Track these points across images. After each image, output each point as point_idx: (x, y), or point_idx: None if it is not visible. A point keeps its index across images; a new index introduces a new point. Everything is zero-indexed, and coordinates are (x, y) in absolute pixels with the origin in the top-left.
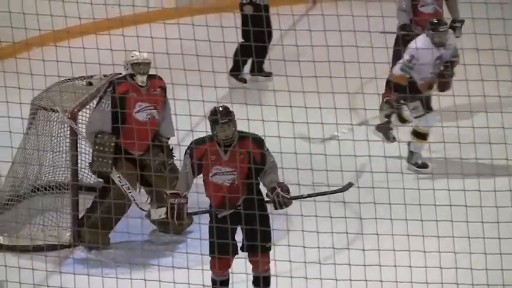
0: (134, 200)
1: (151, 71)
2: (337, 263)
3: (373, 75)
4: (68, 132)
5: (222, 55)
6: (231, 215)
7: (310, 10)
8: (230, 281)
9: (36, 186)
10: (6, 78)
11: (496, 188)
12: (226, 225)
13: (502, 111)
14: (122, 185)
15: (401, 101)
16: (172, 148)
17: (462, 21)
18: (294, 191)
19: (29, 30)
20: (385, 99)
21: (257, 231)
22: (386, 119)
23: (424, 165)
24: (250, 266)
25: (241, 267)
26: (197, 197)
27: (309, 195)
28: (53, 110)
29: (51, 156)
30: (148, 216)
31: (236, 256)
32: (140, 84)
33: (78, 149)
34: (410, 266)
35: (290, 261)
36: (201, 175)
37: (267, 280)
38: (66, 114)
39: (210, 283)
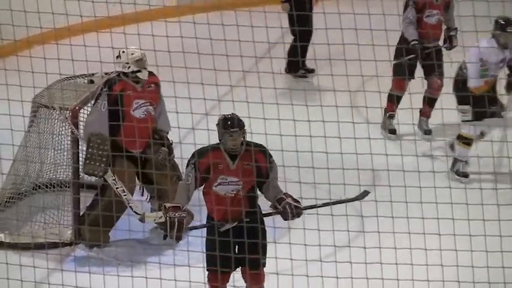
0: (129, 203)
1: (152, 70)
2: (338, 260)
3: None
4: (69, 130)
5: (223, 53)
6: (232, 228)
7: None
8: None
9: (38, 184)
10: (8, 76)
11: (497, 186)
12: (229, 239)
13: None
14: (117, 188)
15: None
16: (172, 143)
17: (456, 30)
18: (294, 190)
19: (30, 28)
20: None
21: (256, 246)
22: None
23: (465, 175)
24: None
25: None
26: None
27: (324, 205)
28: (54, 108)
29: (52, 154)
30: (142, 219)
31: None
32: (142, 77)
33: (80, 147)
34: (411, 264)
35: (291, 259)
36: (201, 187)
37: None
38: (67, 112)
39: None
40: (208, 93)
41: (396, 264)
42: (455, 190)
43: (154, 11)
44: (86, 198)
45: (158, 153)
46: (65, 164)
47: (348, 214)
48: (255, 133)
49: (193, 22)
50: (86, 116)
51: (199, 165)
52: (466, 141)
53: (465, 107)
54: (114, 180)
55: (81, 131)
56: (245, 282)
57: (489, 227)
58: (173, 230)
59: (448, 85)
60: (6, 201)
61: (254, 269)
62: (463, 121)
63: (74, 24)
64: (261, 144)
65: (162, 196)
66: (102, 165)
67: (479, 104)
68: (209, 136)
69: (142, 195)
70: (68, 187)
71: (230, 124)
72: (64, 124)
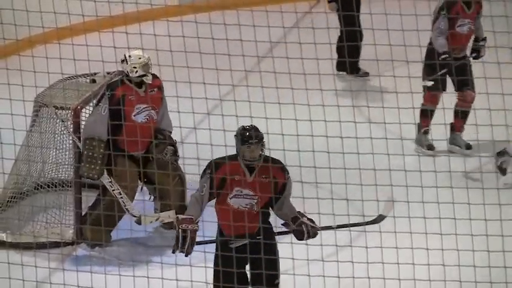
0: (125, 206)
1: (154, 69)
2: (340, 260)
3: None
4: (71, 129)
5: (225, 52)
6: (243, 245)
7: (314, 7)
8: None
9: (39, 183)
10: (10, 75)
11: (498, 185)
12: (241, 255)
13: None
14: (113, 190)
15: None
16: (176, 142)
17: (485, 40)
18: (296, 189)
19: (32, 28)
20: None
21: (268, 264)
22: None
23: (504, 171)
24: None
25: None
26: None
27: (340, 226)
28: (56, 108)
29: (54, 153)
30: (139, 222)
31: None
32: (146, 81)
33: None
34: (413, 264)
35: (293, 259)
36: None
37: None
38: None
39: (213, 281)
40: (210, 93)
41: (398, 264)
42: (456, 190)
43: (156, 11)
44: (88, 197)
45: (165, 152)
46: (66, 163)
47: (350, 214)
48: None
49: (195, 21)
50: (87, 115)
51: (215, 176)
52: None
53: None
54: (110, 182)
55: (82, 131)
56: None
57: (490, 227)
58: (185, 243)
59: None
60: (8, 200)
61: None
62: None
63: (76, 24)
64: (279, 160)
65: (164, 196)
66: (98, 167)
67: None
68: (211, 136)
69: (146, 195)
70: (70, 187)
71: (249, 136)
72: (66, 124)
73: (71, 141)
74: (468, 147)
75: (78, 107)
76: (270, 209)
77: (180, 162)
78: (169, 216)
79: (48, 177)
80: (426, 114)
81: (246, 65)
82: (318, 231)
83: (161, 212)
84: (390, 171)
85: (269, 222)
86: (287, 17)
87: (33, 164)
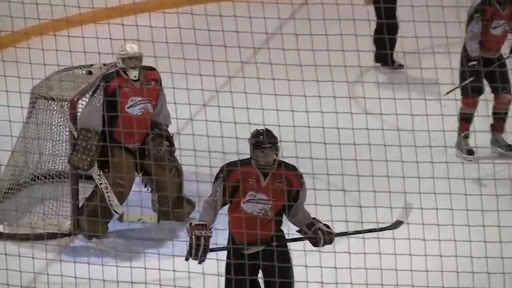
0: (109, 201)
1: (150, 61)
2: (337, 251)
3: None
4: (68, 121)
5: (221, 44)
6: (256, 252)
7: None
8: None
9: (36, 175)
10: (6, 67)
11: (495, 176)
12: (253, 262)
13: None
14: (100, 184)
15: None
16: (172, 135)
17: None
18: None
19: (28, 20)
20: None
21: (281, 272)
22: None
23: None
24: None
25: None
26: None
27: (355, 232)
28: (53, 99)
29: (51, 145)
30: (120, 219)
31: None
32: (133, 78)
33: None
34: (410, 255)
35: (290, 250)
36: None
37: None
38: (65, 103)
39: (210, 271)
40: (206, 84)
41: (395, 254)
42: (453, 180)
43: (152, 2)
44: (85, 189)
45: (159, 147)
46: (63, 155)
47: (347, 205)
48: (252, 123)
49: (191, 13)
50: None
51: (228, 180)
52: None
53: None
54: (99, 175)
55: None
56: None
57: (487, 218)
58: (199, 249)
59: None
60: (5, 192)
61: None
62: None
63: (72, 16)
64: (294, 166)
65: (161, 188)
66: (89, 158)
67: None
68: (207, 127)
69: (144, 186)
70: (67, 178)
71: (262, 139)
72: (62, 115)
73: (67, 133)
74: (508, 148)
75: (75, 99)
76: (283, 215)
77: (176, 153)
78: (150, 218)
79: (45, 168)
80: (465, 119)
81: (242, 56)
82: (334, 238)
83: (158, 204)
84: (387, 162)
85: (281, 230)
86: (283, 8)
87: (30, 156)
